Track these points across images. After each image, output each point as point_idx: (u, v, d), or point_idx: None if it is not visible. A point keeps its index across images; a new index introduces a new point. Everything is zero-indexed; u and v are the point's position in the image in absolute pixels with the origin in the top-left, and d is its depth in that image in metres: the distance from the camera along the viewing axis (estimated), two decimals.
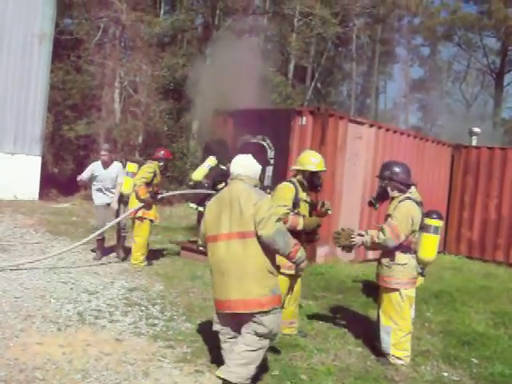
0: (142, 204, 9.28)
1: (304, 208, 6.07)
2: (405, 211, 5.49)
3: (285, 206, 5.85)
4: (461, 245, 14.45)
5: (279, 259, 5.74)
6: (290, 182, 6.10)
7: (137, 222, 9.44)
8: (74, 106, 20.67)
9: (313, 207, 6.25)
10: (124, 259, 9.79)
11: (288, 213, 5.85)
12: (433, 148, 14.09)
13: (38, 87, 17.57)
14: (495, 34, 35.41)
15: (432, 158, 13.88)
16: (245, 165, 4.77)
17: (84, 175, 9.67)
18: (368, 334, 6.16)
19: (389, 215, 5.62)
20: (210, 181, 9.94)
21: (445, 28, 36.34)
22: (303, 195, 6.06)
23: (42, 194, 17.72)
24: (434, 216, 6.38)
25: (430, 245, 6.29)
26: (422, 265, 6.15)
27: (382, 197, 5.87)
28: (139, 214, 9.37)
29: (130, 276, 8.64)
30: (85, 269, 8.88)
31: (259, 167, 4.88)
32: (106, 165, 9.61)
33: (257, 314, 4.45)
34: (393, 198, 5.72)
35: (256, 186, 4.76)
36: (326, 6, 24.74)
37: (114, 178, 9.62)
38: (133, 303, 7.02)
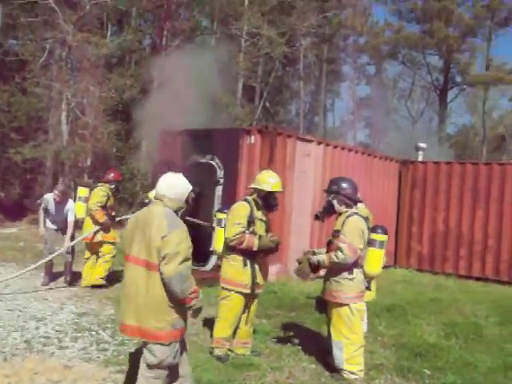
0: (98, 228, 9.19)
1: (260, 227, 6.07)
2: (354, 226, 5.57)
3: (239, 224, 5.86)
4: (411, 258, 14.74)
5: (234, 276, 5.76)
6: (245, 200, 6.12)
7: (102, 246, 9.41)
8: (19, 128, 20.17)
9: (268, 226, 6.24)
10: (72, 284, 9.58)
11: (243, 231, 5.85)
12: (381, 164, 14.34)
13: None
14: (437, 52, 36.47)
15: (380, 174, 14.14)
16: (170, 185, 4.31)
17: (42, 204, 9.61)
18: (321, 350, 6.18)
19: (337, 231, 5.68)
20: None
21: (389, 47, 37.21)
22: (258, 214, 6.06)
23: None
24: (379, 231, 6.56)
25: (375, 259, 6.45)
26: (368, 278, 6.26)
27: (329, 211, 5.95)
28: (99, 237, 9.27)
29: (79, 301, 8.48)
30: (32, 295, 8.69)
31: (186, 188, 4.37)
32: (58, 203, 9.48)
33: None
34: (340, 214, 5.80)
35: (179, 210, 4.36)
36: (273, 26, 25.01)
37: (65, 216, 9.48)
38: (83, 328, 6.88)
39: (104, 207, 9.31)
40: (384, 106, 46.26)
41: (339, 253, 5.48)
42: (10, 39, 22.39)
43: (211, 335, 6.28)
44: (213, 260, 10.70)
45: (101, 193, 9.38)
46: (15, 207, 17.93)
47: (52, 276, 9.72)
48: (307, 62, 34.80)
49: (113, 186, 9.66)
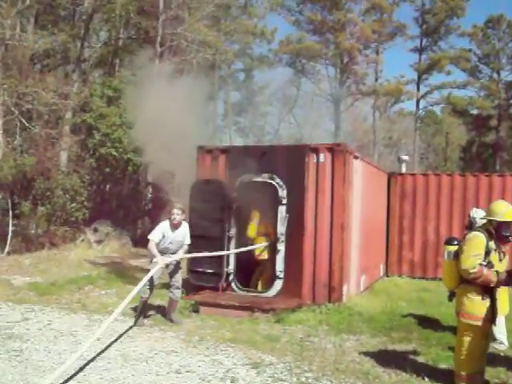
0: None
1: (494, 257, 5.88)
2: None
3: (477, 255, 5.72)
4: (403, 266, 15.27)
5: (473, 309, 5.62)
6: (479, 231, 5.93)
7: None
8: None
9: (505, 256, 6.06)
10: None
11: (480, 264, 5.74)
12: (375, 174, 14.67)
13: None
14: (334, 62, 38.08)
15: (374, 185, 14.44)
16: None
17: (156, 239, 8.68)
18: None
19: None
20: None
21: (289, 55, 38.21)
22: (493, 244, 5.90)
23: None
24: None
25: None
26: None
27: None
28: None
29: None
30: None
31: None
32: (175, 226, 8.74)
33: None
34: None
35: None
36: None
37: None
38: None
39: None
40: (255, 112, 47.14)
41: None
42: None
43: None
44: (277, 285, 10.38)
45: None
46: None
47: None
48: None
49: None
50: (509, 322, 7.23)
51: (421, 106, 45.18)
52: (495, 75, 46.43)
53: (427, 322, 9.23)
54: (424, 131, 51.20)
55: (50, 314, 9.41)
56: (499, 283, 5.81)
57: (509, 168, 43.32)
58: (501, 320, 7.68)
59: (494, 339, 7.76)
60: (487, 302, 5.81)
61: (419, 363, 7.12)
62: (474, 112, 47.28)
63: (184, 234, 8.93)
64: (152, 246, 8.60)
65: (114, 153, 18.61)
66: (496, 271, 5.79)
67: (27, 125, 17.65)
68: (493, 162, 45.87)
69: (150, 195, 21.74)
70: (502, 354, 7.54)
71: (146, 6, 23.97)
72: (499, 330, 7.77)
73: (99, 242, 18.20)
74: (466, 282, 5.88)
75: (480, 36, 45.51)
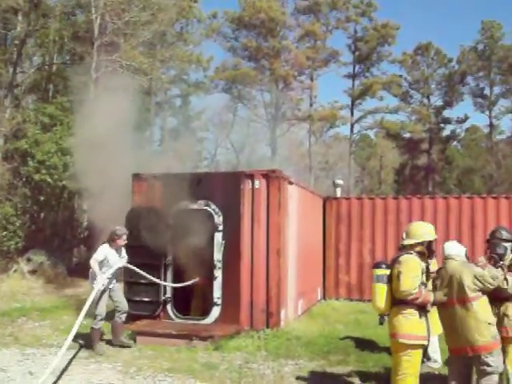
0: None
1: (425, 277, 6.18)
2: None
3: (416, 276, 5.94)
4: (340, 289, 15.50)
5: (412, 329, 5.87)
6: (409, 253, 6.11)
7: None
8: None
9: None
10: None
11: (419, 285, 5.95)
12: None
13: None
14: (269, 88, 38.62)
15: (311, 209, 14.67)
16: None
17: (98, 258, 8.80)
18: None
19: None
20: None
21: (225, 82, 38.54)
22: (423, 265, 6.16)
23: None
24: None
25: None
26: None
27: None
28: None
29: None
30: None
31: None
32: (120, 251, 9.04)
33: None
34: None
35: None
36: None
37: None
38: None
39: None
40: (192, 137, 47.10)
41: None
42: None
43: None
44: (215, 312, 10.36)
45: None
46: None
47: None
48: None
49: None
50: (441, 341, 7.44)
51: (355, 131, 46.24)
52: (425, 100, 48.17)
53: (364, 344, 9.40)
54: (359, 155, 52.51)
55: None
56: (435, 303, 6.06)
57: (441, 189, 44.86)
58: (434, 339, 7.96)
59: (428, 358, 8.02)
60: (424, 321, 6.01)
61: None
62: (407, 135, 48.72)
63: (123, 257, 9.22)
64: (94, 263, 8.70)
65: (49, 179, 18.21)
66: (429, 291, 6.09)
67: None
68: (425, 183, 47.32)
69: (85, 223, 21.32)
70: (436, 372, 7.78)
71: (81, 31, 23.80)
72: (433, 348, 8.04)
73: (33, 272, 17.69)
74: (400, 304, 6.01)
75: (410, 62, 47.15)
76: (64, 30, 22.58)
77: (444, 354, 7.61)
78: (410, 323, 5.95)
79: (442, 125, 48.59)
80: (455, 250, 6.30)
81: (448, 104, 47.66)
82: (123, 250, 9.34)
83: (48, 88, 23.85)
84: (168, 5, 25.98)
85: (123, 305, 9.18)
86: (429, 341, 6.08)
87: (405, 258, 6.07)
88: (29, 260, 17.90)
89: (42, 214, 20.68)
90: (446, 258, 6.27)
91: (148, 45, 26.67)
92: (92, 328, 8.85)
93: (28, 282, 16.77)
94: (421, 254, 6.14)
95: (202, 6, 36.16)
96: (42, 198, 19.27)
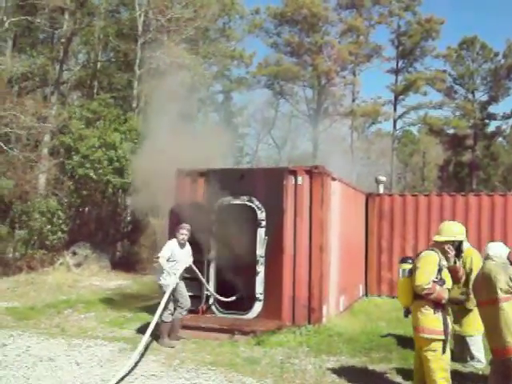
0: None
1: (446, 274, 6.15)
2: None
3: (430, 272, 5.97)
4: (382, 286, 15.37)
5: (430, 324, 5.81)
6: (432, 250, 6.16)
7: None
8: None
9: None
10: None
11: (434, 281, 5.96)
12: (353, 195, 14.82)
13: None
14: (311, 83, 38.46)
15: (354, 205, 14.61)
16: None
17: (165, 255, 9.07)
18: None
19: None
20: None
21: (268, 77, 38.54)
22: (445, 263, 6.18)
23: None
24: None
25: None
26: None
27: None
28: None
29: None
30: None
31: None
32: (182, 245, 9.18)
33: None
34: None
35: None
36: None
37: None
38: None
39: None
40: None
41: None
42: None
43: None
44: (257, 307, 10.38)
45: None
46: None
47: None
48: None
49: None
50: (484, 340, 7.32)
51: (398, 127, 45.75)
52: (470, 95, 47.28)
53: (406, 342, 9.27)
54: (401, 151, 51.82)
55: (29, 339, 9.32)
56: (452, 301, 6.04)
57: (485, 186, 43.98)
58: (478, 338, 7.83)
59: (472, 357, 7.90)
60: (440, 316, 5.99)
61: (398, 383, 7.18)
62: (451, 131, 47.93)
63: (188, 253, 9.35)
64: (163, 261, 8.95)
65: (92, 174, 18.55)
66: (448, 288, 6.07)
67: (5, 148, 17.55)
68: (469, 180, 46.50)
69: (128, 218, 21.67)
70: (480, 372, 7.64)
71: (125, 29, 24.16)
72: (476, 348, 7.91)
73: (78, 265, 18.09)
74: (418, 298, 6.06)
75: (454, 57, 46.34)
76: (108, 28, 22.95)
77: (488, 353, 7.51)
78: (425, 318, 6.01)
79: (486, 120, 47.68)
80: (496, 250, 6.23)
81: (493, 99, 46.71)
82: (187, 246, 9.44)
83: (93, 85, 24.30)
84: (211, 1, 26.13)
85: (187, 301, 9.31)
86: (446, 336, 5.98)
87: (425, 253, 6.15)
88: (74, 253, 18.31)
89: (87, 209, 21.10)
90: (485, 258, 6.22)
91: (191, 41, 26.85)
92: (162, 321, 8.97)
93: (73, 275, 17.16)
94: (443, 252, 6.16)
95: (244, 2, 36.57)
96: (84, 193, 19.63)
